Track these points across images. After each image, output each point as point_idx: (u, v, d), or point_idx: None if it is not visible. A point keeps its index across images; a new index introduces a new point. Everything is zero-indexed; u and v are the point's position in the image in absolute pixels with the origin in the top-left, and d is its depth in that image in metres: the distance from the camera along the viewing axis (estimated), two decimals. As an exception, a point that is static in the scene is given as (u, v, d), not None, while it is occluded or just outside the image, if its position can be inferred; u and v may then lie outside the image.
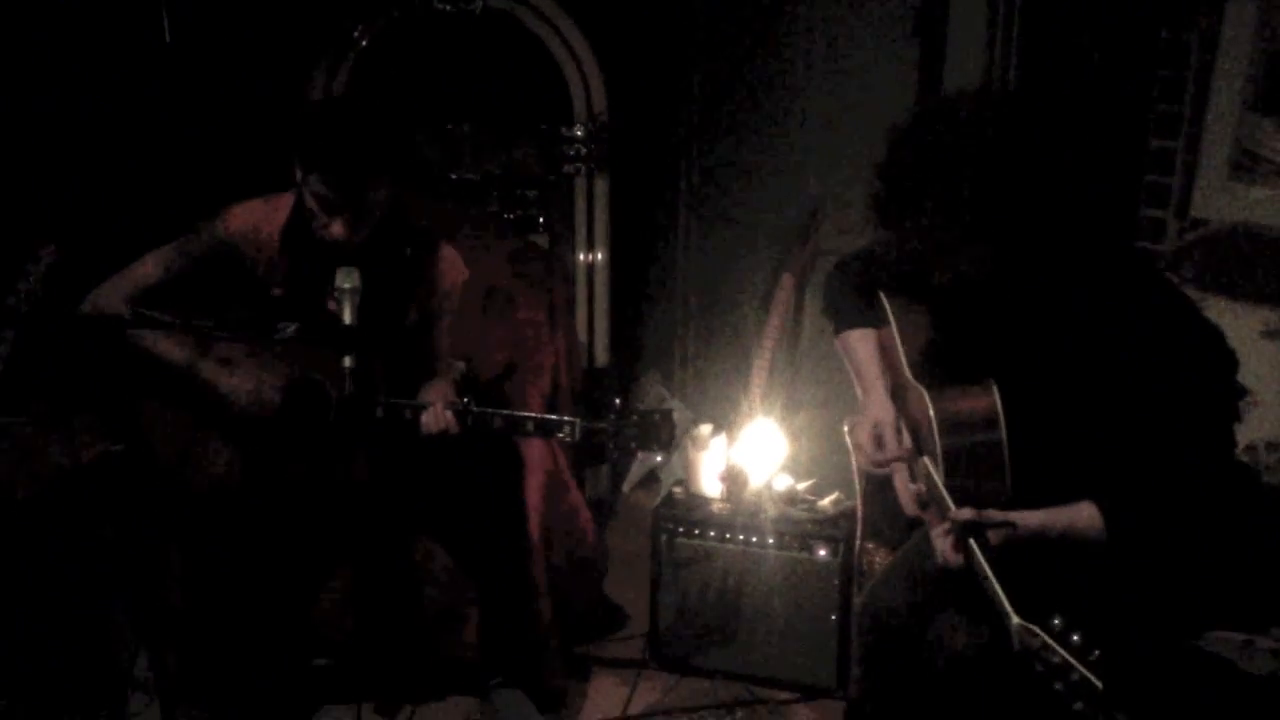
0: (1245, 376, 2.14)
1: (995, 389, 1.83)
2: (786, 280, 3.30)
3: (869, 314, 2.21)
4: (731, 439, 2.97)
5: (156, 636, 2.51)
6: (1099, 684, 1.40)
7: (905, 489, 2.15)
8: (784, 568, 2.73)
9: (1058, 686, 1.44)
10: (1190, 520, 1.70)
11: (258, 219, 2.41)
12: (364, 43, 3.45)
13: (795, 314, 3.39)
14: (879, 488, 2.29)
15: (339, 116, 2.36)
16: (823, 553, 2.70)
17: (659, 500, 2.99)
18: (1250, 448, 2.13)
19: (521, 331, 3.10)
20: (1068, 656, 1.44)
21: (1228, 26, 2.50)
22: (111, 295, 2.41)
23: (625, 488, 3.94)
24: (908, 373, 2.05)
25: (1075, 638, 1.45)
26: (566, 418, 2.24)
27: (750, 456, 2.91)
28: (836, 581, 2.69)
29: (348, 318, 2.19)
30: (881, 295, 2.19)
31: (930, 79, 2.94)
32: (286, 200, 2.42)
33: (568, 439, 2.24)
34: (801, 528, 2.74)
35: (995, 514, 1.70)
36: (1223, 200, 2.55)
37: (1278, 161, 2.47)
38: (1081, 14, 2.74)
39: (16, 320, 2.37)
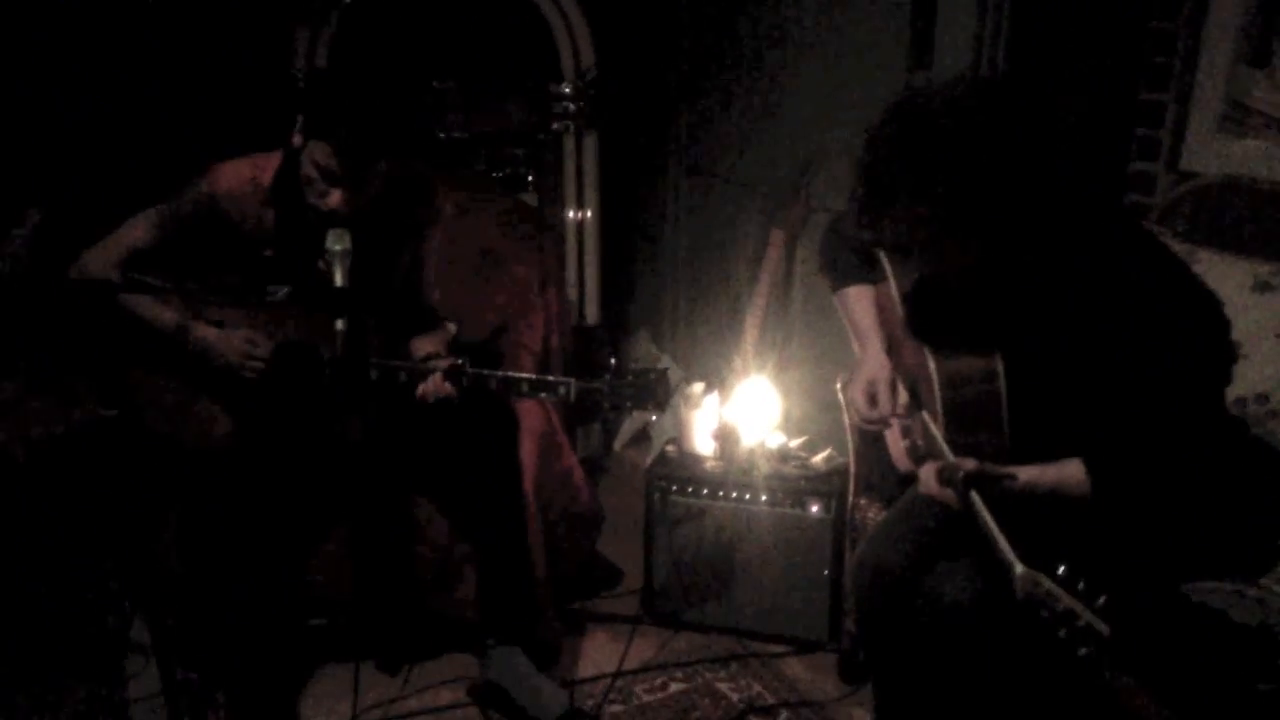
0: (1235, 330, 2.16)
1: (996, 346, 1.84)
2: (777, 237, 3.30)
3: (866, 271, 2.21)
4: (724, 397, 2.98)
5: (153, 598, 2.52)
6: (1105, 629, 1.42)
7: (898, 445, 2.17)
8: (777, 524, 2.75)
9: (1062, 633, 1.46)
10: (1177, 476, 1.72)
11: (244, 178, 2.39)
12: (347, 0, 3.40)
13: (786, 271, 3.39)
14: (872, 443, 2.30)
15: (356, 89, 2.33)
16: (815, 508, 2.72)
17: (652, 458, 3.00)
18: (1240, 400, 2.14)
19: (513, 291, 3.09)
20: (1073, 603, 1.45)
21: (1220, -22, 2.49)
22: (100, 260, 2.39)
23: (617, 445, 3.96)
24: (907, 329, 2.06)
25: (1080, 585, 1.47)
26: (562, 378, 2.24)
27: (743, 414, 2.92)
28: (829, 537, 2.71)
29: (339, 280, 2.19)
30: (880, 252, 2.19)
31: (923, 33, 2.92)
32: (273, 160, 2.40)
33: (564, 399, 2.24)
34: (794, 484, 2.75)
35: (997, 467, 1.72)
36: (1213, 153, 2.55)
37: (1268, 114, 2.46)
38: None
39: (1, 284, 2.36)
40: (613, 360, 2.27)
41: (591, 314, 3.77)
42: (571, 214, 3.66)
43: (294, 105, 2.31)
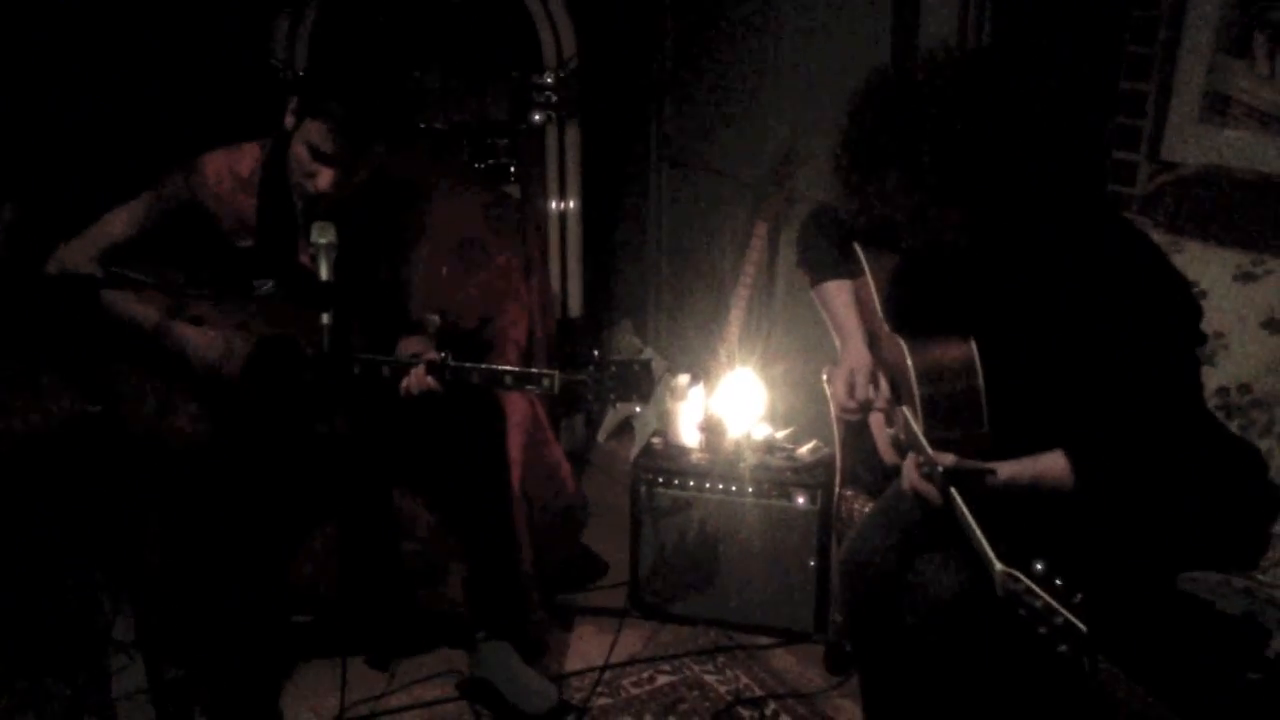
0: (1218, 320, 2.18)
1: (972, 338, 1.84)
2: (760, 228, 3.29)
3: (844, 265, 2.21)
4: (709, 389, 2.98)
5: (138, 595, 2.50)
6: (1083, 627, 1.43)
7: (883, 436, 2.17)
8: (763, 516, 2.76)
9: (1042, 630, 1.46)
10: (1159, 465, 1.73)
11: (224, 167, 2.37)
12: (326, -11, 3.37)
13: (770, 262, 3.38)
14: (858, 435, 2.31)
15: (354, 68, 2.32)
16: (801, 500, 2.72)
17: (638, 450, 3.00)
18: (1222, 389, 2.15)
19: (497, 283, 3.07)
20: (1051, 601, 1.46)
21: (1201, -32, 2.50)
22: (81, 253, 2.37)
23: (600, 438, 3.95)
24: (885, 323, 2.06)
25: (1058, 582, 1.47)
26: (546, 370, 2.24)
27: (728, 406, 2.92)
28: (815, 528, 2.72)
29: (324, 274, 2.17)
30: (856, 246, 2.19)
31: (905, 24, 2.92)
32: (253, 150, 2.38)
33: (547, 391, 2.23)
34: (780, 476, 2.76)
35: (975, 462, 1.72)
36: (1194, 143, 2.56)
37: (1249, 104, 2.47)
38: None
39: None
40: (596, 352, 2.27)
41: (574, 306, 3.76)
42: (554, 205, 3.65)
43: (281, 91, 2.29)
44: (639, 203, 4.04)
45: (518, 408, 2.73)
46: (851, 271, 2.21)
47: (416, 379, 2.28)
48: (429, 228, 2.57)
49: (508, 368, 2.30)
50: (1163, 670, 1.71)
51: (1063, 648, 1.45)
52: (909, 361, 1.89)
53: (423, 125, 3.53)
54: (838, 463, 2.49)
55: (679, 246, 3.97)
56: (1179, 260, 2.19)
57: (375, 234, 2.44)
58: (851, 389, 2.07)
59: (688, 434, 2.94)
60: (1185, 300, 1.82)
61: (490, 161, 3.61)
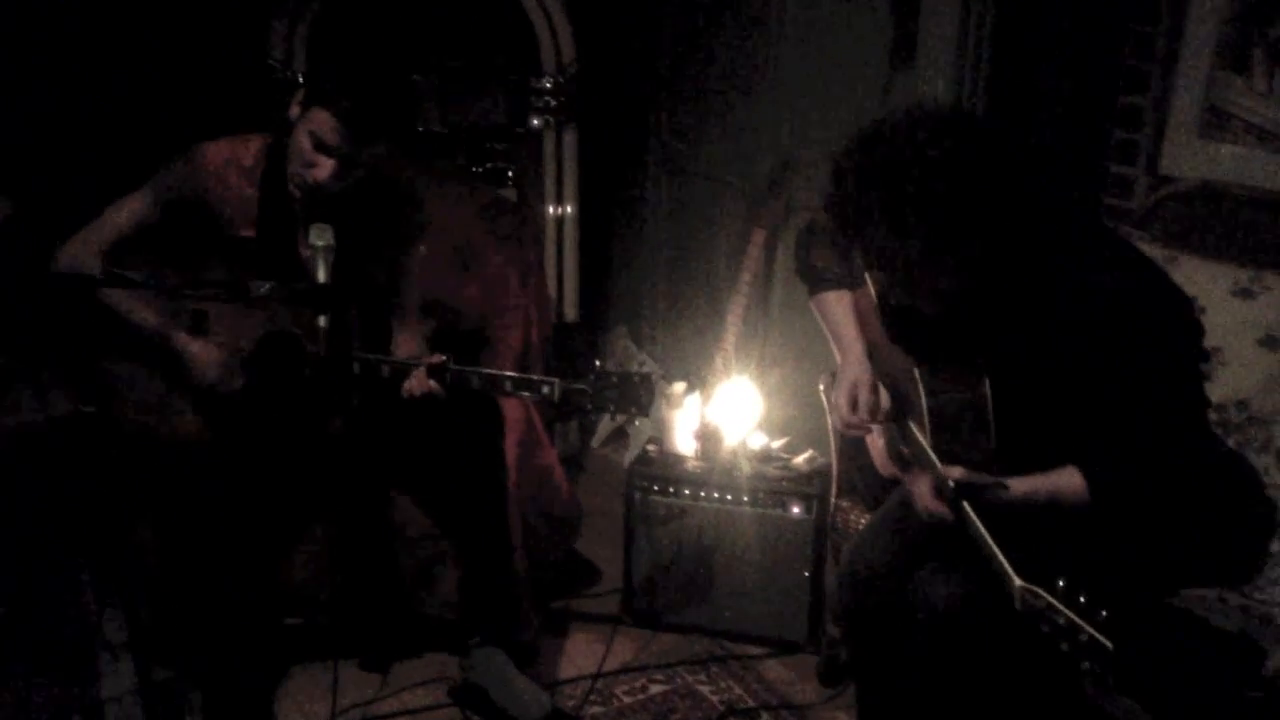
0: (1215, 335, 2.18)
1: (979, 352, 1.84)
2: (757, 236, 3.29)
3: (843, 275, 2.20)
4: (705, 397, 2.98)
5: (129, 595, 2.49)
6: (1109, 644, 1.42)
7: (878, 448, 2.17)
8: (758, 525, 2.75)
9: (1064, 647, 1.46)
10: (1164, 481, 1.73)
11: (227, 157, 2.36)
12: (326, -9, 3.37)
13: (767, 270, 3.38)
14: (854, 445, 2.31)
15: (363, 61, 2.31)
16: (797, 510, 2.72)
17: (633, 458, 2.99)
18: (1219, 406, 2.16)
19: (494, 287, 3.07)
20: (1075, 618, 1.45)
21: (1199, -18, 2.51)
22: (83, 248, 2.35)
23: (594, 444, 3.94)
24: (888, 334, 2.05)
25: (1081, 599, 1.46)
26: (546, 378, 2.23)
27: (724, 414, 2.92)
28: (810, 538, 2.71)
29: (322, 276, 2.16)
30: (856, 255, 2.18)
31: (905, 32, 2.92)
32: (254, 141, 2.37)
33: (547, 399, 2.23)
34: (776, 485, 2.75)
35: (987, 476, 1.71)
36: (1192, 158, 2.56)
37: (1248, 119, 2.48)
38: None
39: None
40: (596, 362, 2.26)
41: (570, 311, 3.75)
42: (551, 209, 3.64)
43: (279, 90, 2.28)
44: (636, 208, 4.03)
45: (513, 412, 2.73)
46: (851, 281, 2.20)
47: (418, 381, 2.27)
48: (426, 231, 2.56)
49: (508, 373, 2.29)
50: (1159, 687, 1.71)
51: (1086, 664, 1.44)
52: (915, 373, 1.88)
53: (421, 128, 3.52)
54: (834, 473, 2.49)
55: (676, 253, 3.96)
56: (1176, 276, 2.19)
57: (372, 237, 2.43)
58: (854, 405, 2.06)
59: (683, 442, 2.93)
60: (1188, 317, 1.82)
61: (488, 165, 3.61)
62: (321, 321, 2.13)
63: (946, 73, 2.79)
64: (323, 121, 2.20)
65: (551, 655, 2.74)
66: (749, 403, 2.97)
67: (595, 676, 2.64)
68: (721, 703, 2.59)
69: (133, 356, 2.39)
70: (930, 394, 1.86)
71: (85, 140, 3.12)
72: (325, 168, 2.23)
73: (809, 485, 2.74)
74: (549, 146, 3.59)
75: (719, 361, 3.11)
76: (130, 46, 3.21)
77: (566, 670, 2.70)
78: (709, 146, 3.70)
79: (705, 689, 2.65)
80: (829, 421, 2.32)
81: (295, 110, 2.25)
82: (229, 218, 2.36)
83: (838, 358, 2.18)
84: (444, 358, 2.27)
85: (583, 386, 2.19)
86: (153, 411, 2.41)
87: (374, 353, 2.37)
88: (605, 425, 3.94)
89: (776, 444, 2.91)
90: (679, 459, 2.89)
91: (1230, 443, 2.11)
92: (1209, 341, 2.15)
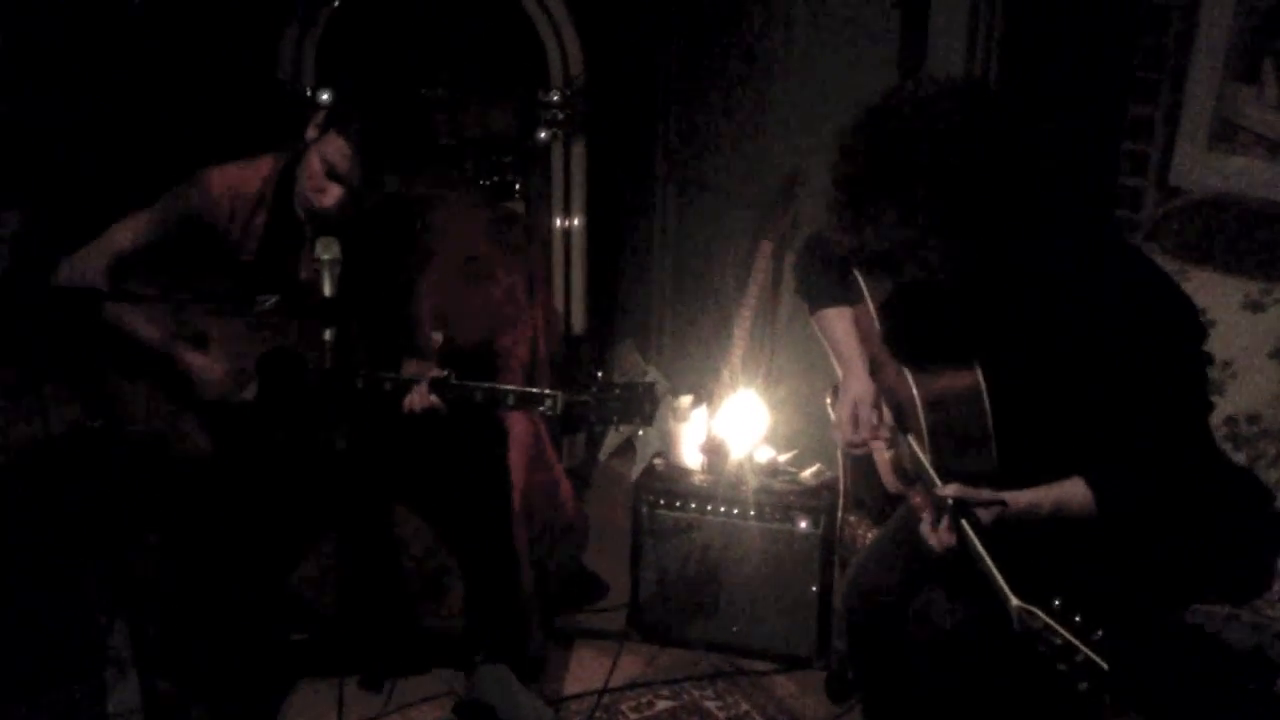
0: (1226, 349, 2.16)
1: (977, 364, 1.82)
2: (765, 248, 3.27)
3: (843, 291, 2.18)
4: (713, 410, 2.96)
5: (135, 609, 2.49)
6: (1104, 665, 1.40)
7: (885, 464, 2.15)
8: (765, 539, 2.73)
9: (1061, 667, 1.44)
10: (1172, 491, 1.71)
11: (234, 181, 2.38)
12: (336, 3, 3.37)
13: (774, 283, 3.37)
14: (861, 459, 2.28)
15: (389, 98, 2.32)
16: (804, 524, 2.70)
17: (640, 471, 2.98)
18: (1230, 419, 2.14)
19: (501, 300, 3.07)
20: (1071, 639, 1.43)
21: (1209, -6, 2.49)
22: (88, 264, 2.37)
23: (601, 456, 3.93)
24: (887, 349, 2.04)
25: (1077, 618, 1.45)
26: (548, 391, 2.22)
27: (731, 428, 2.90)
28: (817, 553, 2.70)
29: (328, 290, 2.16)
30: (856, 272, 2.16)
31: (913, 43, 2.91)
32: (266, 161, 2.38)
33: (549, 412, 2.22)
34: (783, 499, 2.74)
35: (985, 492, 1.69)
36: (1202, 169, 2.55)
37: (1258, 131, 2.46)
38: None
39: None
40: (599, 373, 2.25)
41: (578, 324, 3.75)
42: (559, 222, 3.64)
43: (287, 105, 2.29)
44: (644, 221, 4.03)
45: (520, 426, 2.72)
46: (850, 297, 2.18)
47: (419, 396, 2.26)
48: (433, 244, 2.56)
49: (511, 387, 2.29)
50: (1169, 704, 1.69)
51: (1083, 685, 1.43)
52: (914, 389, 1.87)
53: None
54: (841, 487, 2.47)
55: (683, 265, 3.95)
56: (1186, 288, 2.17)
57: (379, 250, 2.44)
58: (856, 422, 2.04)
59: (690, 455, 2.92)
60: (1192, 324, 1.80)
61: (495, 178, 3.61)
62: (327, 335, 2.13)
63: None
64: (338, 149, 2.21)
65: (557, 670, 2.72)
66: (756, 416, 2.95)
67: (601, 692, 2.62)
68: (729, 719, 2.57)
69: (137, 371, 2.39)
70: (928, 411, 1.84)
71: (92, 152, 3.13)
72: (332, 195, 2.24)
73: (816, 499, 2.72)
74: (557, 159, 3.59)
75: (726, 374, 3.10)
76: (137, 59, 3.22)
77: (572, 686, 2.68)
78: (716, 159, 3.70)
79: (712, 705, 2.63)
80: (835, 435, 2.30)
81: (313, 132, 2.27)
82: (235, 242, 2.37)
83: (839, 374, 2.17)
84: (445, 372, 2.27)
85: (586, 398, 2.18)
86: (157, 425, 2.41)
87: (380, 368, 2.37)
88: (613, 438, 3.93)
89: (784, 457, 2.89)
90: (686, 472, 2.88)
91: (1241, 456, 2.09)
92: (1219, 355, 2.13)
